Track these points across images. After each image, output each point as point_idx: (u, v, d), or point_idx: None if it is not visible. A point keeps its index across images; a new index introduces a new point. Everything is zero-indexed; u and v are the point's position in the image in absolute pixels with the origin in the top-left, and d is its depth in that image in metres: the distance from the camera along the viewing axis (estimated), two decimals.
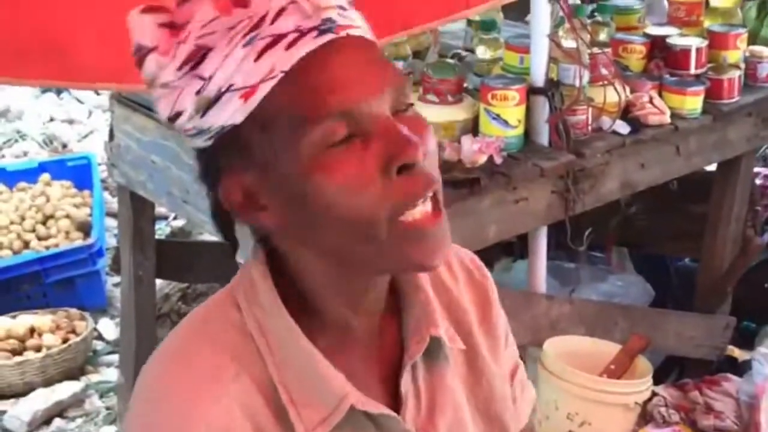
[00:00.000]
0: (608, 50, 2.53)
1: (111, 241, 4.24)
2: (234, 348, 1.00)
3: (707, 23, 2.87)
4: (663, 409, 2.41)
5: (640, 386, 2.40)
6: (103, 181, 4.53)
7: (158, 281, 3.55)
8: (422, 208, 0.97)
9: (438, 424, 1.10)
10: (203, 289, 3.69)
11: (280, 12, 0.94)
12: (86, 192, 4.47)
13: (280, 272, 1.03)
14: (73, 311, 3.82)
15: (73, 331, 3.72)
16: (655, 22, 2.90)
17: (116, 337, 3.73)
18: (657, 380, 2.57)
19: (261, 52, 0.93)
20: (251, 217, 1.00)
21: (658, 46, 2.69)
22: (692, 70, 2.64)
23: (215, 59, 0.94)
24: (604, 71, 2.45)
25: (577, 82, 2.36)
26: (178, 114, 0.97)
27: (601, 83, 2.43)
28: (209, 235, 3.21)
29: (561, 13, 2.42)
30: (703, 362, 2.83)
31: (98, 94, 5.65)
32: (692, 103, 2.57)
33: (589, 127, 2.43)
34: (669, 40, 2.68)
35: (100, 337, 3.89)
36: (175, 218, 4.40)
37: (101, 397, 3.57)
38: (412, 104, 0.99)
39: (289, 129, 0.94)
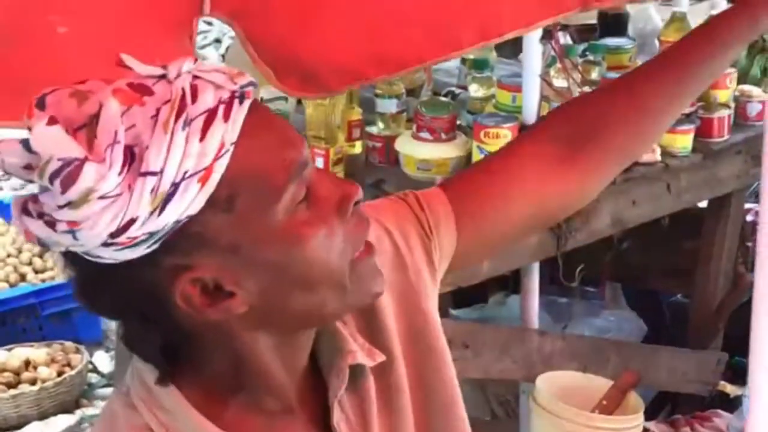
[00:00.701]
0: None
1: None
2: None
3: None
4: None
5: (631, 422, 2.41)
6: None
7: None
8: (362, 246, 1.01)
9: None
10: None
11: (195, 90, 0.90)
12: None
13: (189, 368, 1.00)
14: (69, 344, 3.82)
15: (69, 365, 3.72)
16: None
17: (111, 370, 3.74)
18: (650, 416, 2.58)
19: (203, 130, 0.89)
20: (216, 310, 0.95)
21: None
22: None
23: (158, 151, 0.88)
24: None
25: None
26: (130, 222, 0.88)
27: None
28: None
29: (553, 53, 2.46)
30: (695, 398, 2.85)
31: None
32: (683, 141, 2.60)
33: None
34: None
35: (95, 370, 3.90)
36: None
37: None
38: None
39: (255, 201, 0.92)
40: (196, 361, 1.00)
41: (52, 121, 0.88)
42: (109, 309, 1.00)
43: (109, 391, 3.70)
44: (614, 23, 3.07)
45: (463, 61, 2.90)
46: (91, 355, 3.89)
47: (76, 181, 0.86)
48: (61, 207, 0.88)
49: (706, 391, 2.80)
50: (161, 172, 0.88)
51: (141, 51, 1.32)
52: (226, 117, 0.90)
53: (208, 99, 0.90)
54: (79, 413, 3.64)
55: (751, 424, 0.61)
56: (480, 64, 2.72)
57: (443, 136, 2.40)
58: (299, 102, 2.56)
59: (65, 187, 0.87)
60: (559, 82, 2.43)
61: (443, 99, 2.62)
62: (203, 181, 0.89)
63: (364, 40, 1.56)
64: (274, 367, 1.02)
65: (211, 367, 1.01)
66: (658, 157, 2.55)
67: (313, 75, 1.60)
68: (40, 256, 4.24)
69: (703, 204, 3.00)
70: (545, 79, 2.39)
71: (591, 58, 2.75)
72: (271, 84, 1.62)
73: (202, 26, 7.28)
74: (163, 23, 1.40)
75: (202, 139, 0.89)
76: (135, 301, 0.95)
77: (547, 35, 2.37)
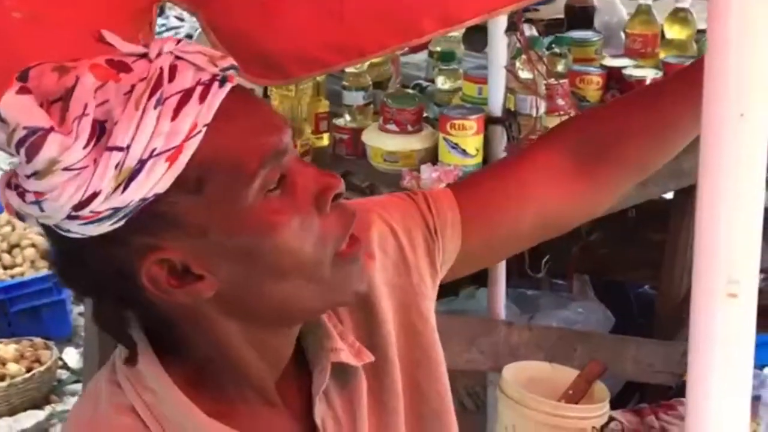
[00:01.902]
0: (565, 81, 2.58)
1: None
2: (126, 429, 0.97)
3: (662, 55, 2.93)
4: None
5: (597, 411, 2.43)
6: None
7: None
8: (350, 240, 0.99)
9: (359, 428, 1.09)
10: None
11: (173, 69, 0.90)
12: None
13: (173, 352, 1.00)
14: (38, 340, 3.81)
15: (38, 361, 3.71)
16: (612, 53, 2.96)
17: (81, 366, 3.72)
18: (617, 405, 2.60)
19: (176, 109, 0.88)
20: (184, 292, 0.94)
21: (614, 77, 2.74)
22: None
23: (126, 127, 0.87)
24: (560, 101, 2.50)
25: (533, 112, 2.41)
26: (93, 196, 0.87)
27: (557, 113, 2.48)
28: None
29: (518, 45, 2.47)
30: (662, 388, 2.87)
31: None
32: None
33: None
34: (625, 72, 2.73)
35: (65, 367, 3.88)
36: None
37: None
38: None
39: (226, 184, 0.91)
40: (178, 347, 1.00)
41: (23, 90, 0.88)
42: (83, 286, 1.00)
43: (78, 387, 3.69)
44: (580, 16, 3.08)
45: (431, 54, 2.91)
46: (60, 352, 3.87)
47: (39, 150, 0.86)
48: (28, 177, 0.88)
49: (673, 381, 2.82)
50: (128, 148, 0.87)
51: (96, 38, 1.32)
52: (202, 98, 0.89)
53: (186, 79, 0.90)
54: (48, 409, 3.63)
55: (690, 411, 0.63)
56: (447, 57, 2.73)
57: (410, 128, 2.41)
58: (265, 94, 2.56)
59: (29, 157, 0.87)
60: (525, 74, 2.44)
61: (410, 91, 2.63)
62: (171, 160, 0.88)
63: (326, 28, 1.56)
64: (250, 358, 1.00)
65: (192, 354, 1.00)
66: None
67: (276, 62, 1.60)
68: (9, 252, 4.22)
69: (669, 195, 3.02)
70: (511, 70, 2.41)
71: (557, 50, 2.76)
72: None
73: (174, 22, 7.22)
74: (123, 9, 1.39)
75: (173, 118, 0.88)
76: (106, 280, 0.95)
77: (513, 27, 2.38)
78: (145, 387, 0.98)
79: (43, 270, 4.12)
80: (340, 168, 2.46)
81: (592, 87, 2.73)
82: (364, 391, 1.10)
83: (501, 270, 2.58)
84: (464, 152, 2.35)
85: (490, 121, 2.40)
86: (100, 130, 0.87)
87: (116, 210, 0.89)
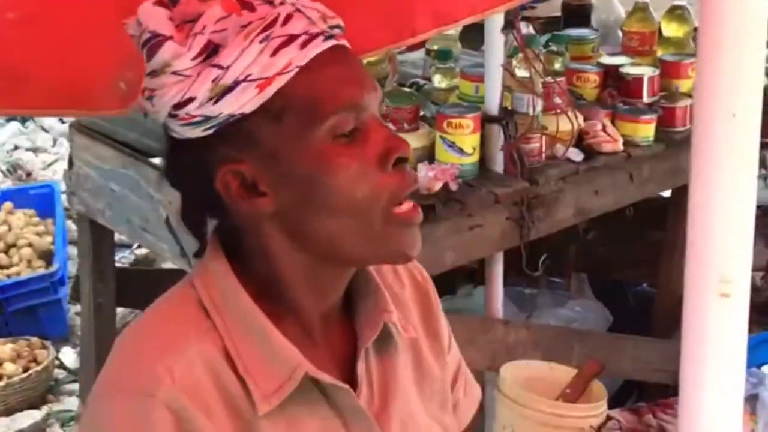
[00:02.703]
0: (562, 79, 2.57)
1: (73, 270, 4.22)
2: (195, 320, 1.06)
3: (660, 53, 2.92)
4: None
5: (594, 410, 2.42)
6: (66, 209, 4.52)
7: (120, 310, 3.55)
8: (408, 203, 1.06)
9: (391, 411, 1.15)
10: None
11: (288, 17, 1.04)
12: (49, 220, 4.46)
13: (242, 261, 1.09)
14: (35, 340, 3.80)
15: (35, 360, 3.70)
16: (609, 51, 2.95)
17: (78, 365, 3.71)
18: (616, 404, 2.60)
19: (277, 48, 1.02)
20: (248, 204, 1.05)
21: (611, 75, 2.74)
22: (645, 99, 2.69)
23: (232, 51, 1.01)
24: (557, 100, 2.49)
25: (530, 110, 2.40)
26: (190, 100, 1.03)
27: (554, 111, 2.48)
28: (171, 263, 3.22)
29: (515, 43, 2.47)
30: (661, 386, 2.86)
31: (62, 122, 5.65)
32: (645, 130, 2.61)
33: (543, 155, 2.47)
34: (622, 70, 2.73)
35: (61, 366, 3.87)
36: (138, 247, 4.40)
37: (62, 426, 3.55)
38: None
39: (301, 120, 1.02)
40: (246, 260, 1.09)
41: (158, 2, 1.05)
42: (177, 182, 1.12)
43: (75, 386, 3.68)
44: (577, 14, 3.08)
45: (428, 52, 2.90)
46: (57, 351, 3.86)
47: (157, 52, 1.03)
48: (147, 75, 1.05)
49: (671, 379, 2.82)
50: (227, 68, 1.01)
51: (92, 35, 1.31)
52: (303, 45, 1.02)
53: (296, 27, 1.03)
54: (45, 409, 3.62)
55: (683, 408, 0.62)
56: (444, 55, 2.72)
57: (406, 126, 2.40)
58: None
59: (149, 57, 1.04)
60: (522, 72, 2.43)
61: (406, 89, 2.62)
62: (261, 88, 1.02)
63: None
64: (299, 285, 1.08)
65: (254, 269, 1.09)
66: (621, 147, 2.57)
67: None
68: (6, 251, 4.21)
69: (667, 194, 3.02)
70: (507, 69, 2.40)
71: (554, 48, 2.76)
72: None
73: None
74: (117, 7, 1.38)
75: (273, 54, 1.02)
76: (192, 180, 1.08)
77: (509, 25, 2.38)
78: (214, 286, 1.07)
79: (40, 269, 4.11)
80: None
81: (589, 85, 2.72)
82: (401, 363, 1.18)
83: (498, 268, 2.57)
84: (461, 151, 2.35)
85: (486, 120, 2.39)
86: (212, 51, 1.02)
87: (207, 118, 1.03)
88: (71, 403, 3.62)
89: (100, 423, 1.04)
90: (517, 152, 2.40)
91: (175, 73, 1.03)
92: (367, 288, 1.16)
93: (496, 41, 2.37)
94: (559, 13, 3.18)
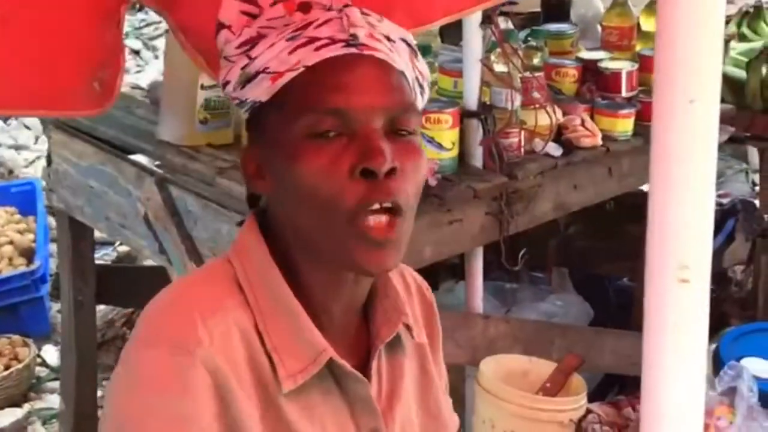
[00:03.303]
0: (541, 74, 2.58)
1: (55, 267, 4.21)
2: (231, 293, 1.11)
3: (638, 47, 2.93)
4: (597, 426, 2.44)
5: (574, 404, 2.43)
6: (48, 206, 4.50)
7: (102, 307, 3.54)
8: (378, 219, 1.07)
9: (395, 413, 1.19)
10: None
11: (325, 22, 1.11)
12: (31, 218, 4.45)
13: (275, 240, 1.14)
14: (16, 338, 3.78)
15: (16, 358, 3.69)
16: (588, 46, 2.96)
17: (60, 363, 3.70)
18: (597, 398, 2.60)
19: (296, 48, 1.10)
20: (253, 184, 1.15)
21: (590, 70, 2.75)
22: (623, 93, 2.70)
23: (263, 45, 1.11)
24: (536, 95, 2.50)
25: (509, 105, 2.40)
26: (227, 83, 1.14)
27: (533, 106, 2.48)
28: (151, 260, 3.21)
29: (493, 38, 2.47)
30: (640, 380, 2.87)
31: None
32: (623, 125, 2.62)
33: (522, 150, 2.47)
34: (600, 64, 2.74)
35: (43, 364, 3.86)
36: (121, 244, 4.39)
37: (44, 424, 3.53)
38: (412, 132, 1.11)
39: (290, 113, 1.09)
40: (271, 240, 1.14)
41: None
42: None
43: (57, 384, 3.66)
44: (557, 9, 3.09)
45: None
46: (39, 349, 3.85)
47: (217, 37, 1.16)
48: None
49: None
50: (254, 59, 1.11)
51: (67, 37, 1.31)
52: (318, 48, 1.08)
53: (324, 32, 1.10)
54: (27, 407, 3.60)
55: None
56: (423, 50, 2.70)
57: None
58: None
59: (217, 41, 1.16)
60: (500, 67, 2.43)
61: None
62: (273, 80, 1.10)
63: None
64: (304, 264, 1.12)
65: (278, 250, 1.13)
66: (599, 141, 2.57)
67: None
68: None
69: (647, 188, 3.02)
70: (486, 64, 2.40)
71: (533, 43, 2.77)
72: (202, 70, 1.61)
73: (154, 17, 7.18)
74: (90, 10, 1.38)
75: (290, 52, 1.10)
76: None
77: (487, 20, 2.38)
78: (249, 261, 1.13)
79: (21, 267, 4.10)
80: None
81: (568, 80, 2.73)
82: (408, 367, 1.23)
83: (478, 263, 2.58)
84: (440, 146, 2.35)
85: (465, 115, 2.40)
86: (253, 42, 1.12)
87: (240, 102, 1.14)
88: (53, 401, 3.61)
89: (136, 371, 1.06)
90: (496, 147, 2.41)
91: (225, 57, 1.15)
92: (385, 290, 1.19)
93: (474, 36, 2.38)
94: (538, 9, 3.19)
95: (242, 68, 1.12)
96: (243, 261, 1.13)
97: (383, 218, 1.07)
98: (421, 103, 1.18)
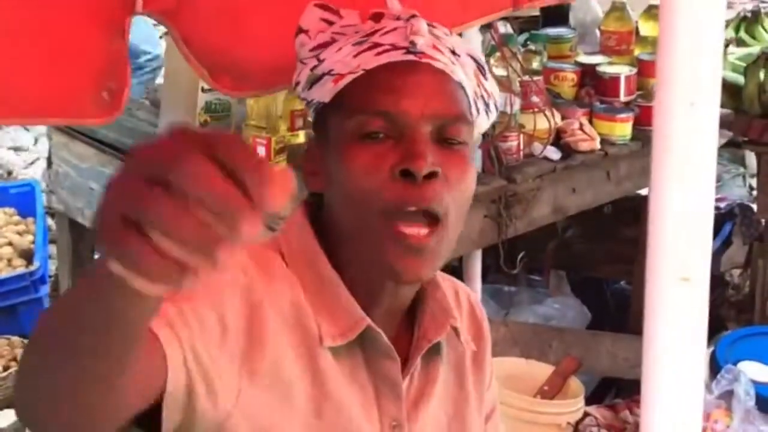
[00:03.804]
0: (539, 78, 2.59)
1: (54, 269, 4.21)
2: (277, 263, 1.14)
3: (637, 52, 2.95)
4: (595, 429, 2.46)
5: (572, 407, 2.45)
6: (47, 208, 4.50)
7: None
8: (414, 224, 1.07)
9: (420, 411, 1.18)
10: None
11: (391, 30, 1.14)
12: (30, 219, 4.44)
13: (325, 240, 1.16)
14: (15, 339, 3.78)
15: (15, 359, 3.68)
16: (587, 51, 2.97)
17: None
18: (593, 401, 2.62)
19: (359, 52, 1.13)
20: (307, 182, 1.17)
21: (588, 74, 2.76)
22: (622, 98, 2.71)
23: (332, 49, 1.15)
24: (535, 98, 2.51)
25: (508, 109, 2.42)
26: (297, 83, 1.19)
27: (532, 110, 2.50)
28: None
29: (493, 42, 2.48)
30: (638, 383, 2.87)
31: None
32: (622, 129, 2.64)
33: (521, 153, 2.48)
34: (599, 69, 2.75)
35: None
36: None
37: None
38: (462, 143, 1.12)
39: (345, 114, 1.12)
40: (324, 233, 1.16)
41: (319, 5, 1.19)
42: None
43: None
44: (556, 13, 3.10)
45: None
46: None
47: (295, 40, 1.19)
48: None
49: None
50: (321, 61, 1.16)
51: (73, 47, 1.32)
52: (379, 54, 1.12)
53: (388, 39, 1.13)
54: None
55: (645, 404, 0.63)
56: None
57: None
58: None
59: (295, 44, 1.20)
60: (499, 71, 2.44)
61: None
62: (335, 82, 1.14)
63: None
64: (345, 248, 1.13)
65: (330, 240, 1.15)
66: (598, 145, 2.59)
67: (246, 74, 1.60)
68: None
69: (644, 191, 3.04)
70: None
71: (532, 47, 2.78)
72: (205, 82, 1.62)
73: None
74: (95, 21, 1.40)
75: (354, 56, 1.13)
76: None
77: (487, 24, 2.39)
78: (294, 236, 1.15)
79: (20, 268, 4.09)
80: None
81: (567, 83, 2.75)
82: (443, 375, 1.21)
83: (477, 266, 2.59)
84: None
85: None
86: (325, 46, 1.16)
87: (308, 101, 1.18)
88: None
89: None
90: (494, 150, 2.42)
91: (300, 60, 1.19)
92: (434, 293, 1.20)
93: (474, 40, 2.39)
94: (537, 13, 3.20)
95: (311, 69, 1.16)
96: (288, 235, 1.15)
97: (419, 224, 1.07)
98: (486, 122, 1.19)
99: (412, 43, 1.12)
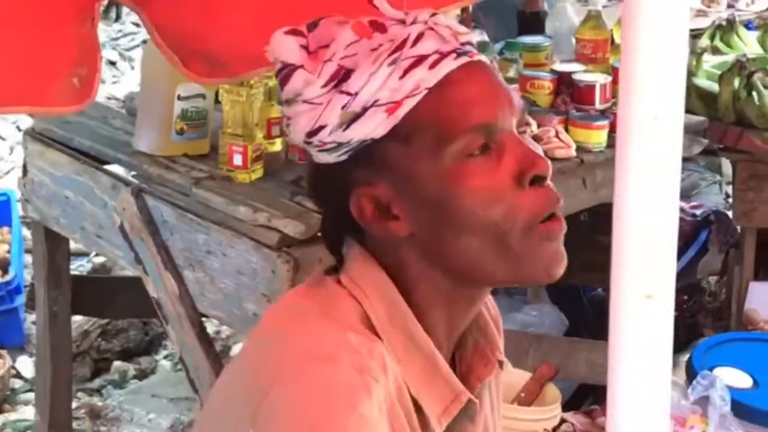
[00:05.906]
0: (516, 86, 2.60)
1: (30, 278, 4.19)
2: (373, 338, 1.02)
3: (612, 60, 2.96)
4: None
5: (549, 413, 2.45)
6: (23, 217, 4.47)
7: (77, 318, 3.52)
8: (551, 225, 1.03)
9: None
10: (123, 325, 3.66)
11: (419, 37, 1.03)
12: (5, 229, 4.42)
13: (404, 278, 1.07)
14: None
15: None
16: (563, 59, 2.99)
17: (34, 375, 3.68)
18: (571, 407, 2.62)
19: (406, 70, 1.01)
20: (382, 227, 1.05)
21: (564, 82, 2.77)
22: (597, 105, 2.73)
23: (361, 77, 1.02)
24: None
25: None
26: (321, 128, 1.03)
27: None
28: (127, 270, 3.21)
29: None
30: None
31: (20, 129, 5.59)
32: (597, 136, 2.65)
33: None
34: (575, 76, 2.77)
35: (18, 376, 3.83)
36: (96, 255, 4.37)
37: None
38: (529, 125, 1.09)
39: (431, 141, 1.01)
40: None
41: (290, 32, 1.06)
42: (317, 203, 1.15)
43: (31, 396, 3.64)
44: (532, 22, 3.11)
45: None
46: (13, 360, 3.83)
47: (288, 82, 1.05)
48: (283, 103, 1.08)
49: None
50: (356, 94, 1.02)
51: (41, 32, 1.31)
52: (433, 65, 1.01)
53: (426, 47, 1.02)
54: (1, 418, 3.58)
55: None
56: None
57: None
58: (217, 100, 2.55)
59: (281, 86, 1.06)
60: None
61: None
62: (390, 111, 1.01)
63: (270, 27, 1.58)
64: (435, 309, 1.06)
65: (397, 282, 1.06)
66: (574, 153, 2.60)
67: (219, 61, 1.59)
68: None
69: None
70: None
71: (508, 56, 2.79)
72: (178, 70, 1.61)
73: (130, 28, 7.19)
74: (64, 6, 1.39)
75: (401, 77, 1.01)
76: (331, 201, 1.09)
77: None
78: (378, 300, 1.04)
79: None
80: (293, 173, 2.45)
81: (543, 92, 2.76)
82: (486, 403, 1.16)
83: None
84: None
85: None
86: (342, 77, 1.03)
87: (339, 144, 1.03)
88: (27, 413, 3.58)
89: (317, 385, 0.96)
90: None
91: (306, 101, 1.04)
92: (477, 321, 1.13)
93: None
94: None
95: (342, 107, 1.02)
96: (370, 298, 1.05)
97: (554, 223, 1.03)
98: None
99: (465, 44, 1.05)
